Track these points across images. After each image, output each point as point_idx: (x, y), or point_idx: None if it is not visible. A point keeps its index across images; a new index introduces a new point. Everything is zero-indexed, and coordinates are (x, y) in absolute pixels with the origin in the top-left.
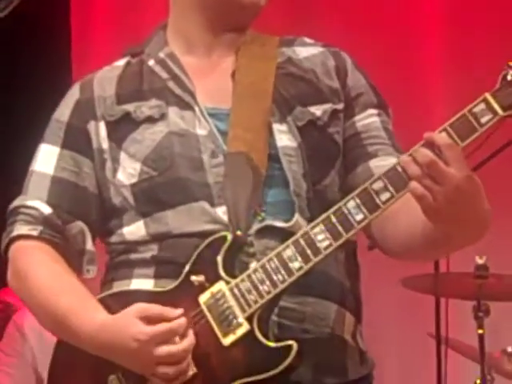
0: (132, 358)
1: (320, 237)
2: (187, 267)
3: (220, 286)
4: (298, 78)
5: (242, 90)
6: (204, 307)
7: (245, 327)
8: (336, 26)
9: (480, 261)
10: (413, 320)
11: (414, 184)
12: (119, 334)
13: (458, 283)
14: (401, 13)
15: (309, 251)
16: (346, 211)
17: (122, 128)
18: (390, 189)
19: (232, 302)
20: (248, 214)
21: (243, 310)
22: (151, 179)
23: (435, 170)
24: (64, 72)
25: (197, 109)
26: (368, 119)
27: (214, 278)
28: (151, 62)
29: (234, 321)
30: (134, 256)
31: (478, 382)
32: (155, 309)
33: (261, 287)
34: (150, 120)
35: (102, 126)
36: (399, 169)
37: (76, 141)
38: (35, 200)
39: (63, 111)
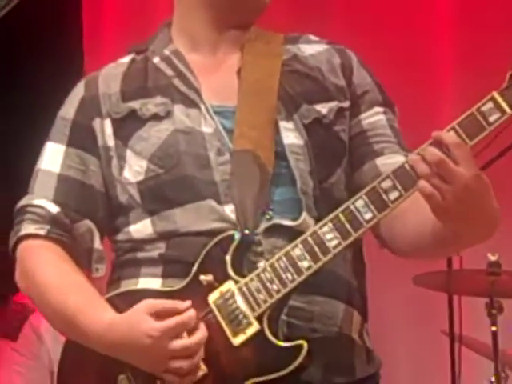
0: (144, 355)
1: (329, 236)
2: (195, 266)
3: (229, 285)
4: (303, 75)
5: (247, 88)
6: (213, 307)
7: (255, 327)
8: (344, 25)
9: (492, 258)
10: (425, 318)
11: (422, 183)
12: (130, 331)
13: (471, 280)
14: (410, 12)
15: (318, 250)
16: (354, 210)
17: (127, 125)
18: (399, 188)
19: (241, 301)
20: (256, 213)
21: (253, 310)
22: (158, 177)
23: (444, 168)
24: (76, 69)
25: (202, 106)
26: (374, 117)
27: (222, 278)
28: (156, 59)
29: (244, 320)
30: (140, 254)
31: (493, 379)
32: (164, 303)
33: (270, 286)
34: (156, 118)
35: (108, 123)
36: (408, 167)
37: (82, 138)
38: (42, 199)
39: (68, 109)
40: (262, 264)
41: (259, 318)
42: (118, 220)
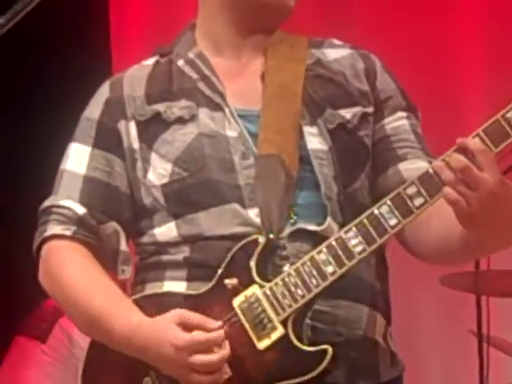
0: (166, 362)
1: (354, 241)
2: (220, 270)
3: (254, 289)
4: (327, 80)
5: (271, 92)
6: (238, 311)
7: (280, 331)
8: (368, 29)
9: None
10: (453, 318)
11: (447, 189)
12: (155, 336)
13: (499, 281)
14: (435, 15)
15: (343, 255)
16: (379, 215)
17: (152, 128)
18: (424, 194)
19: (266, 305)
20: (280, 217)
21: (278, 314)
22: (182, 180)
23: (469, 175)
24: (103, 69)
25: (227, 110)
26: (397, 122)
27: (247, 282)
28: (180, 62)
29: (269, 325)
30: (165, 257)
31: None
32: (195, 317)
33: (295, 291)
34: (181, 121)
35: (133, 125)
36: (433, 174)
37: (107, 140)
38: (67, 200)
39: (93, 110)
40: (286, 268)
41: (284, 322)
42: (143, 222)
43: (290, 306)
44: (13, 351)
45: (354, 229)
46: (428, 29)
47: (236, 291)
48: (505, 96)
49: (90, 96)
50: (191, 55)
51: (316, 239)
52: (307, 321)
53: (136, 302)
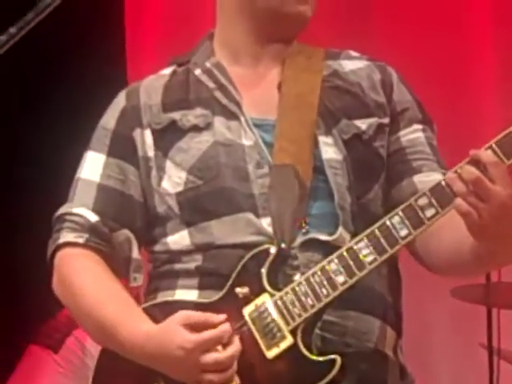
0: (177, 367)
1: (364, 251)
2: (232, 279)
3: (264, 298)
4: (343, 91)
5: (287, 102)
6: (248, 319)
7: (289, 340)
8: (385, 40)
9: None
10: (464, 330)
11: (459, 201)
12: (164, 342)
13: (510, 293)
14: (452, 28)
15: (353, 266)
16: (390, 226)
17: (167, 136)
18: (435, 205)
19: (276, 314)
20: (293, 227)
21: (287, 323)
22: (197, 188)
23: (481, 187)
24: (118, 77)
25: (242, 119)
26: (413, 134)
27: (258, 291)
28: (198, 72)
29: (278, 334)
30: (178, 266)
31: None
32: (199, 316)
33: (305, 300)
34: (196, 129)
35: (148, 133)
36: (444, 185)
37: (122, 148)
38: (81, 207)
39: (109, 119)
40: (297, 278)
41: (293, 332)
42: (156, 230)
43: (299, 315)
44: (25, 359)
45: (365, 239)
46: (443, 41)
47: (247, 300)
48: None
49: (105, 104)
50: (208, 64)
51: (327, 249)
52: (317, 331)
53: (147, 309)
